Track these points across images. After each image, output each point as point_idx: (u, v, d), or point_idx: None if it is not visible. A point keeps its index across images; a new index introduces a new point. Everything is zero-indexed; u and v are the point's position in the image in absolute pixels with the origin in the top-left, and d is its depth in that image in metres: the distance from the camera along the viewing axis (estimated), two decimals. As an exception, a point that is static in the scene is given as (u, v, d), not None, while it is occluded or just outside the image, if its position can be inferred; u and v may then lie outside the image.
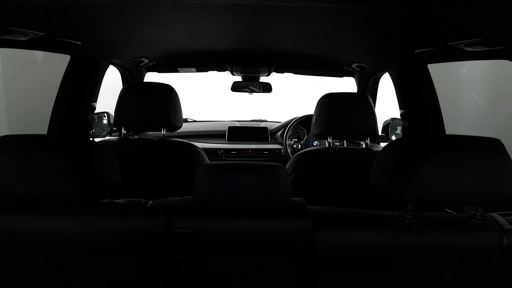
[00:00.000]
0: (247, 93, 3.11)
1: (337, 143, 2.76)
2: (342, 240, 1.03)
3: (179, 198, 1.13)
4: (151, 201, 1.13)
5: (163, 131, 2.05)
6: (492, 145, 0.99)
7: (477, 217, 1.05)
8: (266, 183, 1.05)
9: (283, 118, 3.63)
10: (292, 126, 3.36)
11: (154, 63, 2.68)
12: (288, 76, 3.27)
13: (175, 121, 2.03)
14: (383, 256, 1.03)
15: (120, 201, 1.12)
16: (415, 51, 1.61)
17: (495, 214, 1.09)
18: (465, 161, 0.97)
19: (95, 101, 2.35)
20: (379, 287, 1.06)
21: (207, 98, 5.10)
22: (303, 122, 3.37)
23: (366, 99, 2.08)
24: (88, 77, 2.19)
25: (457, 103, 3.62)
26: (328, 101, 2.04)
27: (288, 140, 3.33)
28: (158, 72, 3.01)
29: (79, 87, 2.16)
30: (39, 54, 3.22)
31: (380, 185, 1.05)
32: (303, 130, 3.40)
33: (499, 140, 1.01)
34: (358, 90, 3.00)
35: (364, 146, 2.09)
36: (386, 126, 2.80)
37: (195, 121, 3.82)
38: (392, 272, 1.04)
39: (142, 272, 1.07)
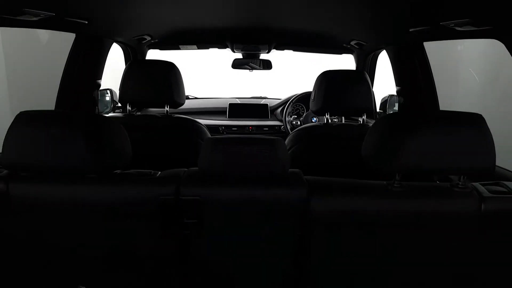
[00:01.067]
0: (248, 70, 3.16)
1: (336, 120, 2.84)
2: (335, 206, 1.13)
3: (186, 169, 1.23)
4: (159, 172, 1.22)
5: (167, 107, 2.13)
6: (474, 120, 1.08)
7: (459, 186, 1.15)
8: (266, 155, 1.14)
9: (283, 95, 3.69)
10: (291, 103, 3.43)
11: (156, 40, 2.73)
12: (288, 54, 3.31)
13: (178, 97, 2.10)
14: (372, 221, 1.13)
15: (132, 171, 1.21)
16: (410, 30, 1.67)
17: (477, 184, 1.19)
18: (449, 134, 1.05)
19: (100, 78, 2.41)
20: (368, 249, 1.16)
21: (208, 75, 5.13)
22: (302, 99, 3.43)
23: (363, 76, 2.15)
24: (92, 55, 2.25)
25: (456, 80, 3.68)
26: (326, 78, 2.11)
27: (287, 116, 3.40)
28: (160, 49, 3.06)
29: (84, 64, 2.23)
30: (43, 34, 3.26)
31: (370, 156, 1.14)
32: (302, 107, 3.47)
33: (481, 115, 1.09)
34: (356, 68, 3.05)
35: (360, 122, 2.16)
36: (384, 102, 2.87)
37: (196, 98, 3.88)
38: (380, 235, 1.15)
39: (153, 235, 1.17)
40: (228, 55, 3.19)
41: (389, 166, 1.07)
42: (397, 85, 2.44)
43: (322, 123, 2.29)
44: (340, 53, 3.06)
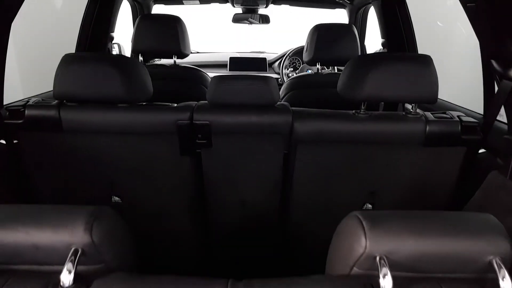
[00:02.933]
0: (247, 24, 3.38)
1: (329, 70, 3.11)
2: (313, 128, 1.44)
3: (197, 102, 1.53)
4: (176, 104, 1.52)
5: (174, 57, 2.40)
6: (424, 60, 1.36)
7: (411, 113, 1.46)
8: (261, 88, 1.44)
9: (280, 50, 3.92)
10: (288, 57, 3.67)
11: None
12: (285, 10, 3.50)
13: (184, 49, 2.36)
14: (341, 140, 1.44)
15: (154, 103, 1.52)
16: None
17: (427, 112, 1.49)
18: (403, 70, 1.34)
19: (113, 31, 2.66)
20: (337, 160, 1.49)
21: (209, 31, 5.30)
22: (298, 52, 3.67)
23: (351, 29, 2.40)
24: (106, 8, 2.49)
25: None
26: (318, 31, 2.36)
27: (284, 69, 3.66)
28: (165, 4, 3.27)
29: (99, 17, 2.47)
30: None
31: (342, 89, 1.44)
32: (298, 60, 3.71)
33: (429, 57, 1.38)
34: (349, 22, 3.28)
35: None
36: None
37: (198, 52, 4.11)
38: (347, 150, 1.47)
39: (172, 152, 1.50)
40: (228, 11, 3.39)
41: (356, 96, 1.38)
42: (382, 37, 2.69)
43: (313, 72, 2.57)
44: (333, 7, 3.27)
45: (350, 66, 1.42)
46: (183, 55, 2.37)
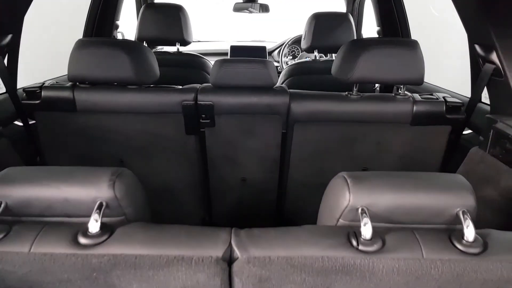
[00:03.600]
0: (247, 13, 3.46)
1: (326, 58, 3.21)
2: (309, 109, 1.55)
3: (201, 84, 1.64)
4: (181, 86, 1.63)
5: (178, 45, 2.50)
6: (410, 43, 1.47)
7: (400, 94, 1.57)
8: (260, 71, 1.54)
9: (280, 39, 4.01)
10: (287, 45, 3.76)
11: None
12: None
13: (188, 36, 2.46)
14: (334, 119, 1.55)
15: (160, 85, 1.63)
16: None
17: (415, 94, 1.60)
18: (391, 53, 1.45)
19: (118, 19, 2.75)
20: (330, 138, 1.60)
21: (210, 20, 5.38)
22: (297, 41, 3.75)
23: (347, 18, 2.50)
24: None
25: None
26: (316, 19, 2.46)
27: (284, 57, 3.75)
28: (167, -6, 3.34)
29: (105, 6, 2.56)
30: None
31: (336, 71, 1.55)
32: (297, 48, 3.80)
33: (416, 41, 1.48)
34: (346, 11, 3.36)
35: None
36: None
37: (199, 41, 4.19)
38: (340, 128, 1.58)
39: (178, 131, 1.61)
40: (229, 0, 3.47)
41: (348, 77, 1.48)
42: (377, 26, 2.78)
43: (311, 59, 2.67)
44: (331, -3, 3.35)
45: (343, 50, 1.53)
46: (186, 43, 2.47)
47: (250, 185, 1.80)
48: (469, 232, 0.77)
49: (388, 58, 1.44)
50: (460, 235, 0.78)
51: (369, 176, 0.84)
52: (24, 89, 1.57)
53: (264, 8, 3.52)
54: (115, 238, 0.77)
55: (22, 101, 1.56)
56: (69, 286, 0.76)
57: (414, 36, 2.59)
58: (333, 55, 2.81)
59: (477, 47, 1.50)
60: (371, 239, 0.76)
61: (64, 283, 0.76)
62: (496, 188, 1.26)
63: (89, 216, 0.78)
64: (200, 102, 1.55)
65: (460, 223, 0.78)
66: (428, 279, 0.74)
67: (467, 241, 0.76)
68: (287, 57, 3.75)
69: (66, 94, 1.53)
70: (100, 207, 0.78)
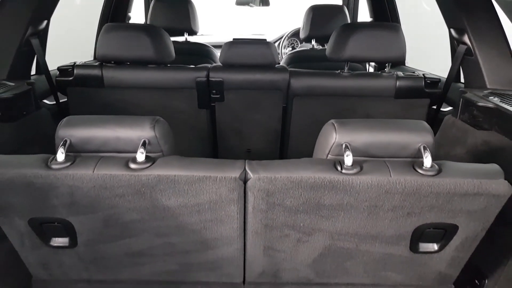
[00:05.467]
0: (248, 6, 3.70)
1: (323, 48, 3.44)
2: (306, 84, 1.79)
3: (212, 64, 1.88)
4: (193, 66, 1.87)
5: (186, 35, 2.73)
6: (393, 27, 1.71)
7: (385, 72, 1.81)
8: (263, 50, 1.78)
9: (279, 32, 4.24)
10: (287, 38, 4.00)
11: None
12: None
13: (195, 26, 2.69)
14: (328, 93, 1.79)
15: (176, 65, 1.86)
16: None
17: (399, 72, 1.84)
18: (377, 35, 1.69)
19: (130, 11, 2.98)
20: (325, 110, 1.84)
21: (211, 14, 5.59)
22: (296, 34, 3.98)
23: (342, 10, 2.74)
24: None
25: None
26: (313, 11, 2.70)
27: (283, 49, 3.99)
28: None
29: (117, 5, 2.79)
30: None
31: (330, 52, 1.79)
32: (296, 41, 4.03)
33: (398, 24, 1.72)
34: (342, 4, 3.60)
35: None
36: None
37: (202, 34, 4.42)
38: (333, 102, 1.82)
39: (192, 106, 1.85)
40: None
41: (340, 57, 1.72)
42: (370, 16, 3.02)
43: (309, 48, 2.91)
44: (328, -9, 3.58)
45: (336, 33, 1.77)
46: (193, 32, 2.71)
47: (254, 156, 2.04)
48: (427, 161, 1.00)
49: (374, 39, 1.68)
50: (421, 164, 1.01)
51: (351, 121, 1.08)
52: (58, 68, 1.80)
53: (265, 2, 3.77)
54: (157, 165, 1.00)
55: (57, 78, 1.79)
56: (122, 200, 1.00)
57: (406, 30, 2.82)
58: None
59: (452, 31, 1.74)
60: (351, 165, 0.99)
61: (119, 198, 0.99)
62: (464, 147, 1.50)
63: (135, 152, 1.01)
64: (211, 79, 1.79)
65: (421, 155, 1.02)
66: (394, 192, 0.98)
67: (426, 168, 1.00)
68: (286, 48, 3.99)
69: (95, 71, 1.76)
70: (144, 144, 1.02)
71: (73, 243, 1.12)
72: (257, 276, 1.23)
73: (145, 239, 1.10)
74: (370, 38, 1.68)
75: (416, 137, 1.04)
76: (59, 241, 1.12)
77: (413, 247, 1.13)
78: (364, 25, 1.74)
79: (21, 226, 1.07)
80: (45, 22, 1.76)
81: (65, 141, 1.01)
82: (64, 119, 1.07)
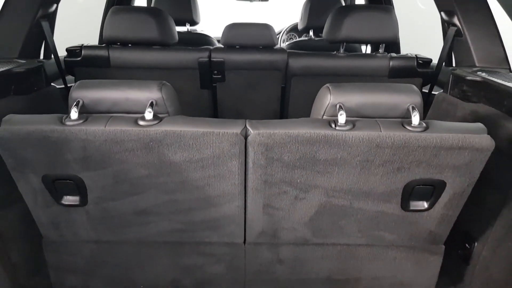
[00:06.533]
0: (248, 1, 3.80)
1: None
2: (303, 64, 1.87)
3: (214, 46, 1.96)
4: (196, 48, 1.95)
5: (187, 25, 2.82)
6: (386, 9, 1.79)
7: (380, 53, 1.89)
8: (262, 31, 1.87)
9: (278, 28, 4.33)
10: (285, 32, 4.09)
11: None
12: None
13: (196, 17, 2.78)
14: (325, 73, 1.87)
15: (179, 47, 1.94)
16: None
17: (392, 54, 1.92)
18: (371, 17, 1.77)
19: (134, 4, 3.07)
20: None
21: (210, 10, 5.68)
22: (294, 28, 4.09)
23: (339, 1, 2.84)
24: None
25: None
26: (310, 2, 2.80)
27: (282, 43, 4.08)
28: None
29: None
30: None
31: (326, 33, 1.87)
32: (294, 35, 4.13)
33: (391, 6, 1.81)
34: None
35: None
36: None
37: (202, 31, 4.51)
38: (329, 81, 1.89)
39: (194, 86, 1.93)
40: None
41: (336, 37, 1.80)
42: (366, 8, 3.11)
43: (307, 38, 3.01)
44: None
45: (332, 15, 1.85)
46: (195, 23, 2.80)
47: None
48: (416, 119, 1.08)
49: (368, 20, 1.76)
50: (410, 122, 1.09)
51: (345, 84, 1.16)
52: (66, 49, 1.88)
53: (264, -3, 3.86)
54: (164, 122, 1.08)
55: (65, 58, 1.87)
56: (132, 155, 1.07)
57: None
58: None
59: (443, 14, 1.82)
60: (345, 123, 1.07)
61: (128, 152, 1.06)
62: (454, 119, 1.58)
63: (143, 112, 1.09)
64: (213, 59, 1.87)
65: (410, 115, 1.09)
66: (384, 147, 1.05)
67: (414, 125, 1.07)
68: (285, 42, 4.08)
69: (102, 52, 1.84)
70: (151, 104, 1.09)
71: (84, 201, 1.19)
72: (257, 236, 1.30)
73: (151, 196, 1.17)
74: (364, 19, 1.76)
75: (405, 98, 1.12)
76: (70, 199, 1.19)
77: (404, 205, 1.20)
78: (358, 7, 1.83)
79: (35, 183, 1.14)
80: (55, 5, 1.84)
81: (78, 101, 1.09)
82: (77, 82, 1.15)
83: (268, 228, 1.27)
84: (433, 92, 1.97)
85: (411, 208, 1.21)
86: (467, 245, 1.42)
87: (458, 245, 1.45)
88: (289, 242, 1.32)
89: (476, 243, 1.39)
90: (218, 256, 1.34)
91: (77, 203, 1.20)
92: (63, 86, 1.96)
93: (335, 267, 1.35)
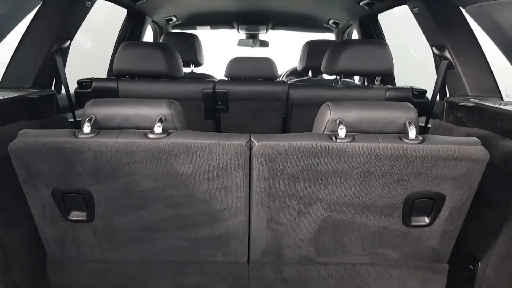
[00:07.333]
0: (250, 47, 4.01)
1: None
2: (303, 95, 1.96)
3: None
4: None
5: (192, 66, 2.97)
6: (380, 43, 1.91)
7: (376, 84, 1.99)
8: (265, 65, 1.97)
9: (278, 71, 4.52)
10: (285, 76, 4.27)
11: (179, 22, 3.56)
12: (281, 37, 4.12)
13: (200, 59, 2.94)
14: (323, 103, 1.95)
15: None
16: (360, 3, 2.52)
17: (388, 85, 2.02)
18: (367, 51, 1.88)
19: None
20: None
21: (213, 57, 5.95)
22: (293, 72, 4.26)
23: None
24: (137, 26, 3.09)
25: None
26: (308, 45, 2.96)
27: None
28: (181, 29, 3.89)
29: (131, 33, 3.05)
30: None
31: (324, 67, 1.98)
32: (293, 79, 4.30)
33: (385, 41, 1.93)
34: (336, 39, 3.90)
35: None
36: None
37: (206, 74, 4.70)
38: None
39: (199, 116, 2.00)
40: (232, 39, 4.03)
41: (333, 70, 1.91)
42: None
43: (306, 78, 3.15)
44: (323, 31, 3.90)
45: (330, 49, 1.97)
46: (199, 64, 2.95)
47: None
48: (412, 133, 1.13)
49: (363, 53, 1.87)
50: (407, 136, 1.14)
51: (344, 102, 1.22)
52: (77, 81, 1.97)
53: (264, 44, 4.08)
54: (172, 135, 1.13)
55: (76, 90, 1.96)
56: (141, 166, 1.11)
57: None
58: (324, 75, 3.28)
59: (434, 48, 1.94)
60: (345, 137, 1.12)
61: (138, 163, 1.10)
62: None
63: (152, 128, 1.14)
64: (217, 90, 1.96)
65: (406, 130, 1.15)
66: (383, 157, 1.09)
67: (411, 138, 1.13)
68: (284, 85, 4.24)
69: (112, 84, 1.93)
70: (161, 120, 1.15)
71: (91, 216, 1.21)
72: (260, 254, 1.30)
73: (157, 211, 1.20)
74: (360, 52, 1.87)
75: (402, 113, 1.18)
76: (78, 214, 1.22)
77: (406, 220, 1.22)
78: (355, 41, 1.95)
79: (45, 197, 1.17)
80: (68, 41, 1.96)
81: (91, 117, 1.15)
82: (90, 101, 1.21)
83: (272, 245, 1.28)
84: (429, 125, 2.05)
85: (413, 223, 1.23)
86: (471, 266, 1.42)
87: (462, 267, 1.44)
88: (293, 261, 1.32)
89: (479, 263, 1.38)
90: (222, 275, 1.33)
91: (84, 218, 1.22)
92: (72, 120, 2.04)
93: (339, 287, 1.33)
